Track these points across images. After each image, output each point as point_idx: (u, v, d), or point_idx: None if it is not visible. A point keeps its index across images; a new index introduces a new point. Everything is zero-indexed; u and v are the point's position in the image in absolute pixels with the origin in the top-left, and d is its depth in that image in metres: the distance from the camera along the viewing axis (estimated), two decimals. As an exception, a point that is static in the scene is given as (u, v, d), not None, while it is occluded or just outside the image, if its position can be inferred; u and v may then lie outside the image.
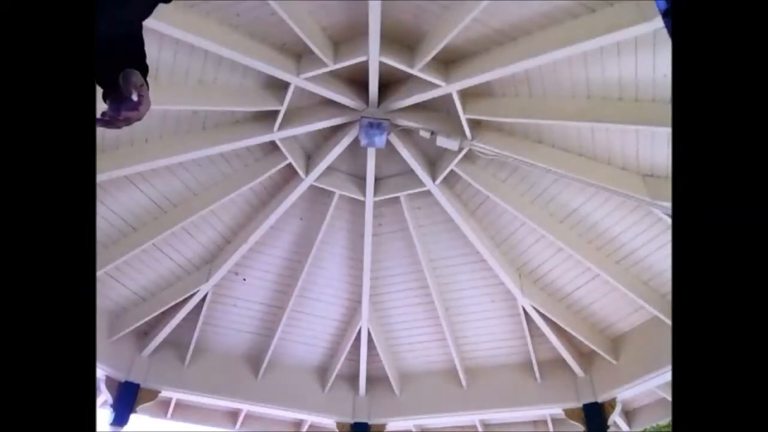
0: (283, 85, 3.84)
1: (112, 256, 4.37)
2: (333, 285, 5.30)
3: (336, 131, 4.33)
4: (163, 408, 5.37)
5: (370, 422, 5.53)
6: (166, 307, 4.90)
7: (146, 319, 4.89)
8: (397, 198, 4.72)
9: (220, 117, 4.03)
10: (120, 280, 4.72)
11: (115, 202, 4.24)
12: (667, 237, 4.30)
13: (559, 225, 4.54)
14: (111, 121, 1.05)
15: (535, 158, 4.00)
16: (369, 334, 5.40)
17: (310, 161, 4.48)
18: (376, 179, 4.57)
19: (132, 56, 1.24)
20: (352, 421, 5.52)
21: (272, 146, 4.32)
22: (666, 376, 4.53)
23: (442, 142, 3.91)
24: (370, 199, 4.60)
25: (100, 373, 4.72)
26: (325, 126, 4.15)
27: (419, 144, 4.36)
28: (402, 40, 3.64)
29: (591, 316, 5.05)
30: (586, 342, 5.01)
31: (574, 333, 5.01)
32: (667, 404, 5.20)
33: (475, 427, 5.66)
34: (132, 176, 4.14)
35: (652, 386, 4.83)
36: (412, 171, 4.42)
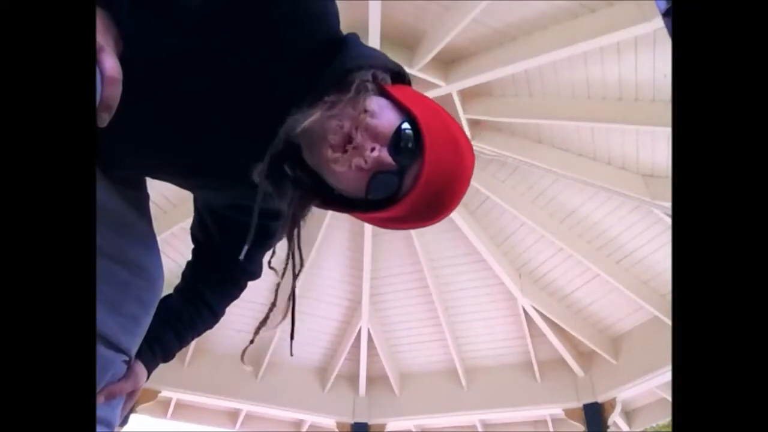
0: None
1: (112, 256, 4.36)
2: (333, 285, 5.29)
3: (336, 131, 4.32)
4: (163, 408, 5.37)
5: (370, 422, 5.53)
6: (166, 307, 4.90)
7: (146, 319, 4.88)
8: (397, 198, 4.72)
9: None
10: (120, 280, 4.71)
11: (115, 202, 4.23)
12: (667, 237, 4.30)
13: (559, 225, 4.54)
14: None
15: (535, 158, 4.00)
16: (369, 334, 5.39)
17: (310, 161, 4.48)
18: (376, 179, 4.56)
19: None
20: (352, 421, 5.52)
21: (272, 146, 4.31)
22: (666, 376, 4.53)
23: (442, 142, 3.91)
24: (370, 199, 4.60)
25: (100, 373, 4.71)
26: (325, 126, 4.14)
27: (419, 144, 4.36)
28: (402, 40, 3.64)
29: (591, 316, 5.04)
30: (586, 342, 5.01)
31: (574, 333, 5.01)
32: (667, 404, 5.20)
33: (475, 427, 5.66)
34: (132, 176, 4.14)
35: (652, 386, 4.83)
36: (412, 171, 4.42)
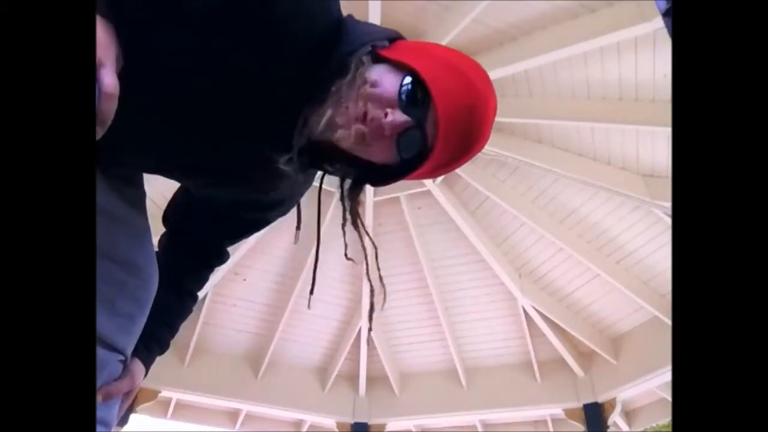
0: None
1: (112, 256, 4.35)
2: (333, 285, 5.29)
3: (336, 131, 4.32)
4: (163, 408, 5.37)
5: (370, 422, 5.53)
6: (166, 307, 4.90)
7: (146, 319, 4.88)
8: (397, 198, 4.72)
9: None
10: (120, 280, 4.71)
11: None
12: (667, 237, 4.30)
13: (559, 225, 4.54)
14: None
15: (535, 158, 4.00)
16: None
17: (310, 161, 4.48)
18: (376, 179, 4.57)
19: None
20: (352, 421, 5.52)
21: (272, 146, 4.31)
22: (666, 376, 4.53)
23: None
24: (370, 199, 4.60)
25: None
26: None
27: (419, 144, 4.36)
28: (402, 40, 3.64)
29: (591, 316, 5.04)
30: (586, 342, 5.01)
31: (574, 333, 5.01)
32: (667, 404, 5.20)
33: (475, 427, 5.66)
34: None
35: (652, 386, 4.82)
36: (412, 171, 4.42)
